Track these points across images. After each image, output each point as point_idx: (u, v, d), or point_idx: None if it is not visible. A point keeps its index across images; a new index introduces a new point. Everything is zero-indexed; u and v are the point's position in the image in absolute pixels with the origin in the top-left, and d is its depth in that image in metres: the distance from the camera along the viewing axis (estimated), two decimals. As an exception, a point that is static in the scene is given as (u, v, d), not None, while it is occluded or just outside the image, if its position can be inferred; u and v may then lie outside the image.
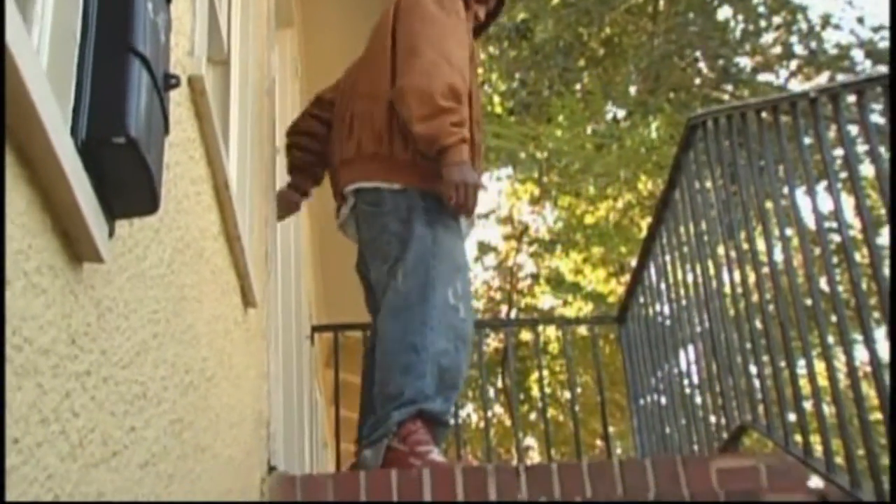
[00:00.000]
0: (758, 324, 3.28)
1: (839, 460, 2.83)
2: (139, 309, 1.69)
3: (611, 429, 6.42)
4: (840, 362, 2.88)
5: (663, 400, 4.49)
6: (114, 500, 1.50)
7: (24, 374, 1.14)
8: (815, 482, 3.13)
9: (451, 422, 3.99)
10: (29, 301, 1.16)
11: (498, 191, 11.42)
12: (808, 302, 3.03)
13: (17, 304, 1.13)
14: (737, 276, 3.42)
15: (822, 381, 2.90)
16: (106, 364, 1.48)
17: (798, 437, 3.03)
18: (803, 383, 2.99)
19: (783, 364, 3.10)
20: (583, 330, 7.82)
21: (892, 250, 2.18)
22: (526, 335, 9.15)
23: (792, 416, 3.07)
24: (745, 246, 3.36)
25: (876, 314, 3.00)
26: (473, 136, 3.59)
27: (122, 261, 1.58)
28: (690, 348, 4.11)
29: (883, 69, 8.90)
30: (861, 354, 2.71)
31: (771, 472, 3.17)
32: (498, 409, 10.20)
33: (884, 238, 3.32)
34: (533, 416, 9.40)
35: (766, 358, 3.23)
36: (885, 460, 2.70)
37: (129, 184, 1.32)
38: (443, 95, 3.42)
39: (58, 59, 1.29)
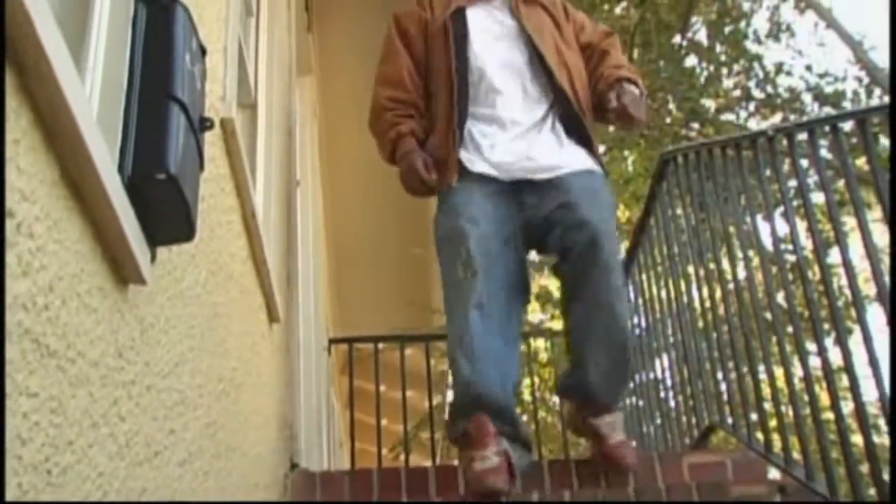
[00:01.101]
0: (724, 334, 3.27)
1: (796, 455, 2.82)
2: (178, 325, 1.69)
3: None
4: (796, 368, 2.87)
5: (640, 403, 4.47)
6: (155, 496, 1.50)
7: (77, 384, 1.14)
8: (775, 475, 3.12)
9: None
10: (82, 319, 1.16)
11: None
12: (768, 315, 3.03)
13: (72, 322, 1.13)
14: (705, 292, 3.40)
15: (781, 385, 2.89)
16: (149, 374, 1.48)
17: (760, 435, 3.01)
18: (764, 387, 2.98)
19: (746, 370, 3.09)
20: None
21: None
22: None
23: (754, 417, 3.05)
24: (712, 266, 3.35)
25: (826, 325, 2.98)
26: (430, 106, 3.22)
27: (163, 282, 1.58)
28: (664, 356, 4.10)
29: (828, 110, 8.98)
30: (814, 361, 2.70)
31: (736, 467, 3.16)
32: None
33: (833, 257, 3.32)
34: (525, 417, 9.33)
35: (730, 364, 3.22)
36: (835, 454, 2.69)
37: (169, 215, 1.32)
38: (369, 122, 3.29)
39: (107, 105, 1.29)
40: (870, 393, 2.47)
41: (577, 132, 3.17)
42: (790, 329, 2.83)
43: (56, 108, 1.03)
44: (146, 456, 1.45)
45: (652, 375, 4.29)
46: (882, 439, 2.51)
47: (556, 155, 3.11)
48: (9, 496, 0.94)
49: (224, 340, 2.18)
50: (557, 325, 10.23)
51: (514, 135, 3.12)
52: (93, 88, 1.27)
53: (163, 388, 1.57)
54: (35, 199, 1.01)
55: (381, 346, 5.27)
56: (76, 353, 1.14)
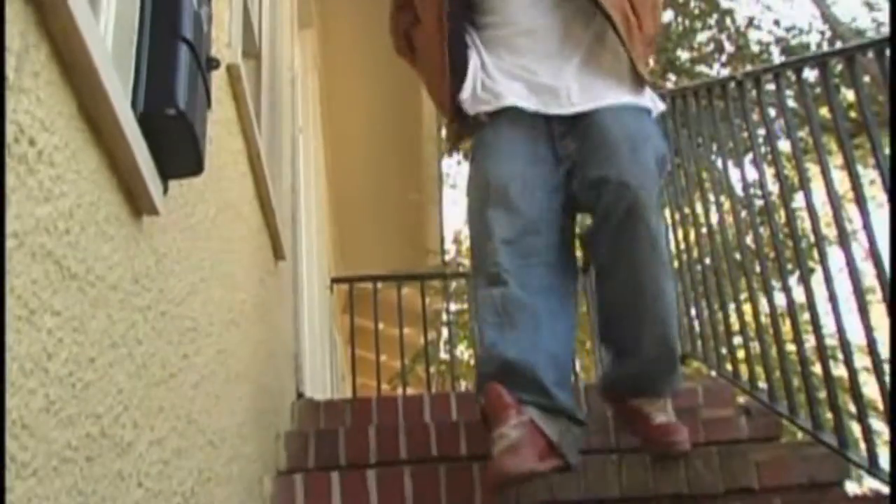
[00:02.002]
0: (697, 274, 3.29)
1: (761, 384, 2.86)
2: (189, 257, 1.69)
3: (577, 362, 6.43)
4: (763, 305, 2.89)
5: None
6: (171, 415, 1.51)
7: (97, 306, 1.14)
8: (741, 399, 3.16)
9: None
10: (100, 245, 1.16)
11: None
12: (738, 255, 3.04)
13: (91, 247, 1.13)
14: (680, 234, 3.42)
15: (749, 320, 2.91)
16: (163, 301, 1.48)
17: (728, 366, 3.05)
18: (733, 321, 3.00)
19: (717, 306, 3.11)
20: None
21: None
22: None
23: (724, 349, 3.08)
24: (687, 210, 3.36)
25: (790, 265, 3.00)
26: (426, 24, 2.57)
27: (175, 216, 1.57)
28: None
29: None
30: (779, 298, 2.72)
31: (707, 392, 3.20)
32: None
33: (798, 202, 3.33)
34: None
35: (703, 302, 3.24)
36: (796, 382, 2.73)
37: (179, 149, 1.31)
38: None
39: (120, 44, 1.28)
40: (829, 326, 2.50)
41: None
42: (758, 269, 2.84)
43: (72, 45, 1.02)
44: (162, 377, 1.46)
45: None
46: (839, 370, 2.54)
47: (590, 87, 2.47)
48: (36, 406, 0.94)
49: (233, 274, 2.18)
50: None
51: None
52: (107, 27, 1.26)
53: (176, 314, 1.57)
54: (54, 129, 1.01)
55: (379, 285, 5.29)
56: (95, 277, 1.14)
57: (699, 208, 3.24)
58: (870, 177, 5.80)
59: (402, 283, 5.41)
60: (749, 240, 3.06)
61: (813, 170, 2.79)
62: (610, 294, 2.43)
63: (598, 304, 2.56)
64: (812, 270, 3.12)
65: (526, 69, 2.48)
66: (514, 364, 2.23)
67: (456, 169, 11.89)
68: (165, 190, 1.38)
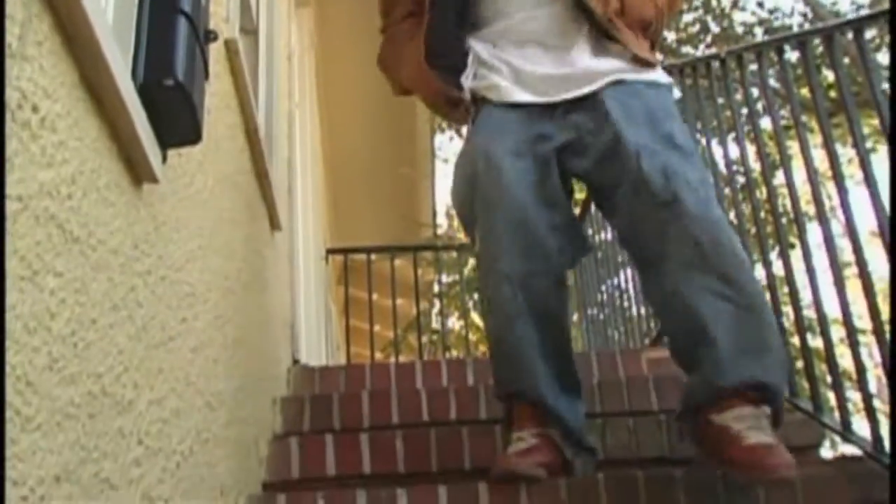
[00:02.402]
0: None
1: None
2: (188, 225, 1.70)
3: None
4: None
5: (606, 311, 4.51)
6: (170, 377, 1.52)
7: (98, 269, 1.15)
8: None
9: None
10: (101, 211, 1.17)
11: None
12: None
13: (93, 212, 1.13)
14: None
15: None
16: (162, 266, 1.49)
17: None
18: None
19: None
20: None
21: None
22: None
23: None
24: None
25: (771, 241, 3.01)
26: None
27: (174, 185, 1.58)
28: (628, 269, 4.12)
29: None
30: (759, 271, 2.74)
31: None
32: (475, 317, 10.28)
33: (779, 179, 3.34)
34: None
35: None
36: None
37: (177, 119, 1.32)
38: None
39: (120, 16, 1.28)
40: (807, 299, 2.52)
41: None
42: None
43: (74, 16, 1.03)
44: (161, 340, 1.47)
45: (616, 283, 4.34)
46: (816, 341, 2.57)
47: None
48: (39, 363, 0.96)
49: (230, 243, 2.19)
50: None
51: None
52: (107, 0, 1.27)
53: (175, 280, 1.58)
54: (57, 97, 1.01)
55: (373, 256, 5.30)
56: (97, 241, 1.15)
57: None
58: (848, 155, 5.82)
59: (394, 255, 5.43)
60: (732, 216, 3.07)
61: (794, 148, 2.80)
62: (666, 291, 2.07)
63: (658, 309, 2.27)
64: (792, 245, 3.13)
65: (526, 59, 2.31)
66: (535, 400, 2.15)
67: (448, 145, 11.91)
68: (164, 159, 1.39)
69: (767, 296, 2.65)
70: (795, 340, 2.62)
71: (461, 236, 11.23)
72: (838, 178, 2.31)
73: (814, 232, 2.54)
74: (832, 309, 2.38)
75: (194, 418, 1.68)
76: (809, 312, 2.59)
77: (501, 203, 2.15)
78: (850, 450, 2.28)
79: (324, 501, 2.15)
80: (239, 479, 2.15)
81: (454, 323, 10.06)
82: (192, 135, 1.37)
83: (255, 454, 2.43)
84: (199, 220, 1.81)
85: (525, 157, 2.20)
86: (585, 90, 2.22)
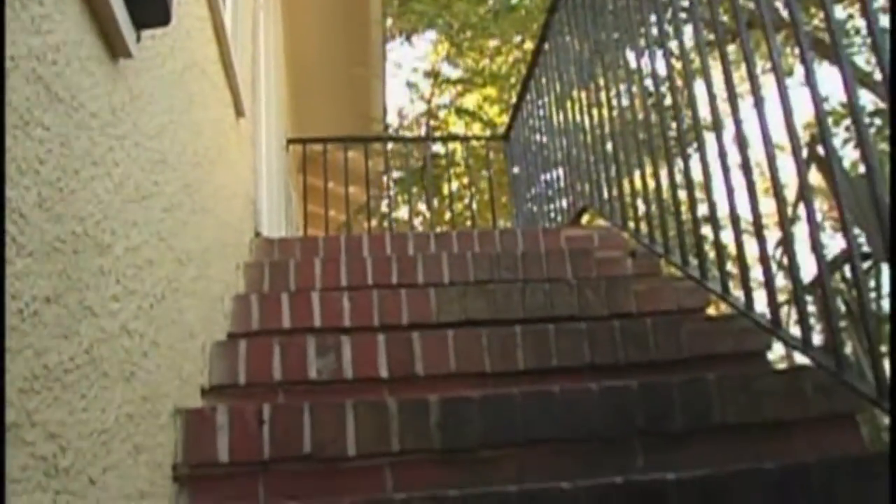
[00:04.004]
0: (607, 146, 3.28)
1: (644, 228, 2.92)
2: (160, 100, 1.73)
3: (500, 221, 6.59)
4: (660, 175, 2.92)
5: (540, 203, 4.55)
6: (144, 231, 1.58)
7: (80, 128, 1.20)
8: (629, 244, 3.28)
9: None
10: (82, 78, 1.21)
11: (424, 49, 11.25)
12: (642, 135, 3.06)
13: (75, 78, 1.18)
14: (595, 113, 3.41)
15: (638, 187, 2.97)
16: (137, 133, 1.54)
17: (620, 218, 3.15)
18: (627, 187, 3.04)
19: (613, 171, 3.16)
20: (480, 147, 7.98)
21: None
22: (441, 150, 9.33)
23: (616, 205, 3.17)
24: (604, 95, 3.33)
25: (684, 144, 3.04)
26: None
27: (147, 64, 1.61)
28: (559, 167, 4.13)
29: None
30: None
31: (601, 238, 3.35)
32: (420, 205, 10.37)
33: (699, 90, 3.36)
34: (446, 213, 9.53)
35: (609, 165, 3.25)
36: (672, 231, 2.80)
37: (149, 2, 1.34)
38: None
39: None
40: (721, 191, 2.56)
41: None
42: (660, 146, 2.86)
43: None
44: (136, 197, 1.53)
45: (547, 177, 4.39)
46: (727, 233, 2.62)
47: None
48: (30, 200, 1.02)
49: (199, 122, 2.22)
50: (472, 133, 10.35)
51: None
52: None
53: (148, 147, 1.63)
54: (42, -26, 1.04)
55: (329, 146, 5.31)
56: (79, 104, 1.19)
57: (613, 92, 3.25)
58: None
59: (348, 146, 5.45)
60: (654, 120, 3.10)
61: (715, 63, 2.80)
62: None
63: None
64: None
65: None
66: None
67: (399, 48, 11.78)
68: (138, 38, 1.42)
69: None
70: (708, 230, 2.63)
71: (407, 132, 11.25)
72: (754, 85, 2.28)
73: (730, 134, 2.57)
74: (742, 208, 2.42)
75: (166, 269, 1.76)
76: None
77: None
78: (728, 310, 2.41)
79: (279, 346, 2.26)
80: (206, 328, 2.24)
81: (400, 208, 10.12)
82: (162, 16, 1.40)
83: (221, 309, 2.51)
84: (170, 98, 1.84)
85: None
86: None
